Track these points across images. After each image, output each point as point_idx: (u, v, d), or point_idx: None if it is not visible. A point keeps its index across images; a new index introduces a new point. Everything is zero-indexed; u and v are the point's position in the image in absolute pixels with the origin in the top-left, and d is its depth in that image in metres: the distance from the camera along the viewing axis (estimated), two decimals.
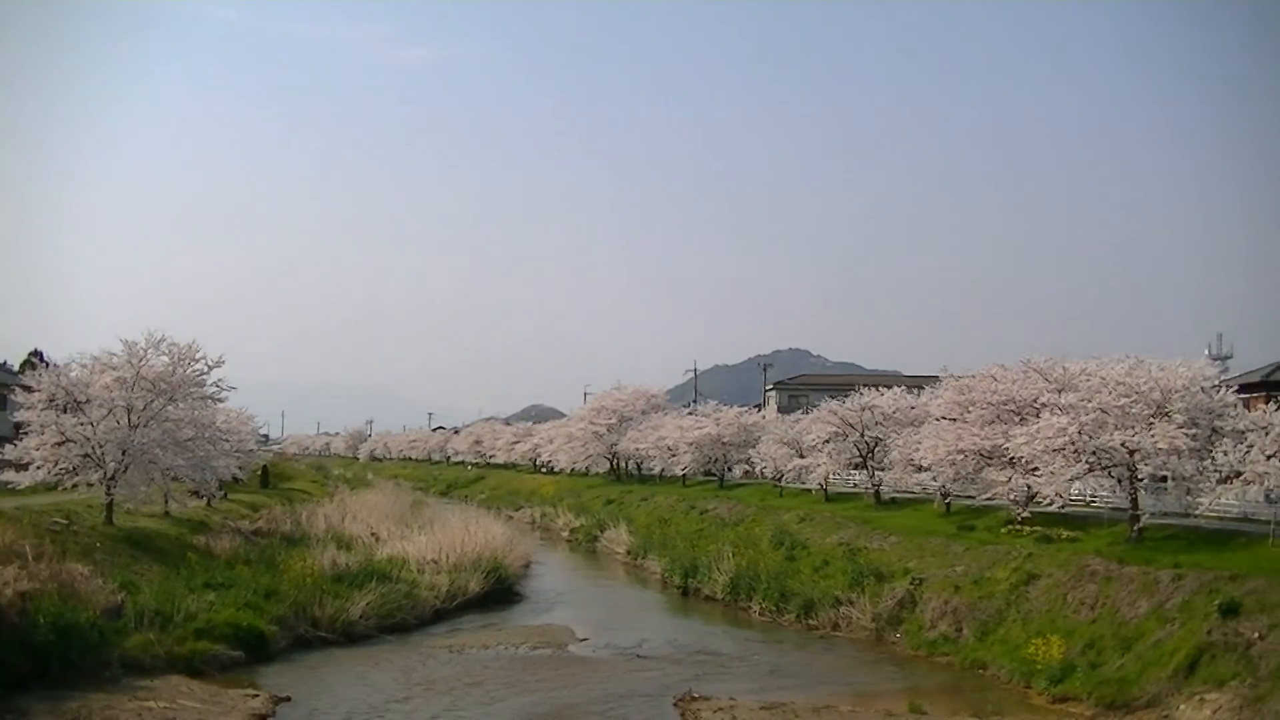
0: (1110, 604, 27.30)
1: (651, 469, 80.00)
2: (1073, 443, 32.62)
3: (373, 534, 46.75)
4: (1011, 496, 37.45)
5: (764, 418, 78.27)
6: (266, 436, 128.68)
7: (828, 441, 51.96)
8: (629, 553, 54.44)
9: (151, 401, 38.13)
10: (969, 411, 40.98)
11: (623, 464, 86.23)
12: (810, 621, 35.13)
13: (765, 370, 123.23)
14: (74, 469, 37.16)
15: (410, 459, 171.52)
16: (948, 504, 43.73)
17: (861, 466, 51.95)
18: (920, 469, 43.61)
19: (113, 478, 36.67)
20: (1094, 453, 32.53)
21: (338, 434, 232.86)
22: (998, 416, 39.51)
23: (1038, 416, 35.36)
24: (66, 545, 30.35)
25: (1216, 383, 34.64)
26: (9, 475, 38.67)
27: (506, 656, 30.46)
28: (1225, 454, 31.06)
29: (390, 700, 25.06)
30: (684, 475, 72.60)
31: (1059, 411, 33.52)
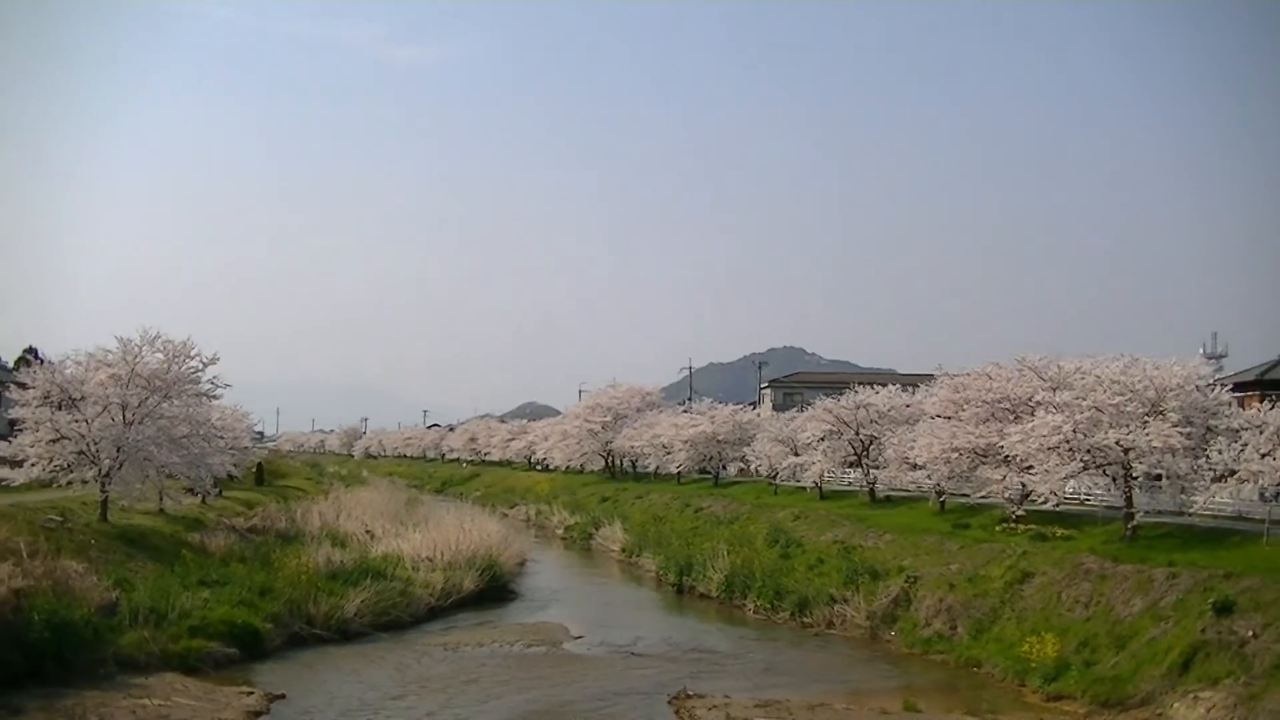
0: (1105, 602, 27.34)
1: (646, 467, 79.99)
2: (1067, 441, 32.67)
3: (368, 531, 46.69)
4: (1006, 495, 37.47)
5: (759, 416, 78.37)
6: (261, 434, 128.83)
7: (822, 439, 51.98)
8: (624, 550, 54.45)
9: (146, 399, 38.09)
10: (964, 410, 41.04)
11: (618, 462, 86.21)
12: (805, 619, 35.16)
13: (760, 368, 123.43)
14: (69, 466, 37.10)
15: (405, 456, 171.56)
16: (942, 502, 43.76)
17: (856, 464, 51.98)
18: (915, 467, 43.68)
19: (107, 475, 36.62)
20: (1089, 451, 32.57)
21: (333, 431, 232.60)
22: (992, 415, 39.57)
23: (1032, 415, 35.41)
24: (61, 542, 30.36)
25: (1211, 381, 34.73)
26: (3, 472, 38.49)
27: (501, 654, 30.45)
28: (1220, 452, 31.14)
29: (385, 698, 25.05)
30: (679, 473, 72.62)
31: (1054, 410, 33.57)
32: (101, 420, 36.87)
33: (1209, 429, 33.58)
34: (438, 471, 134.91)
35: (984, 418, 39.71)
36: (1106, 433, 31.74)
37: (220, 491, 52.23)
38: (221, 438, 47.82)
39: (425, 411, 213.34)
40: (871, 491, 49.97)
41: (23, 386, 38.05)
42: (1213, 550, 28.73)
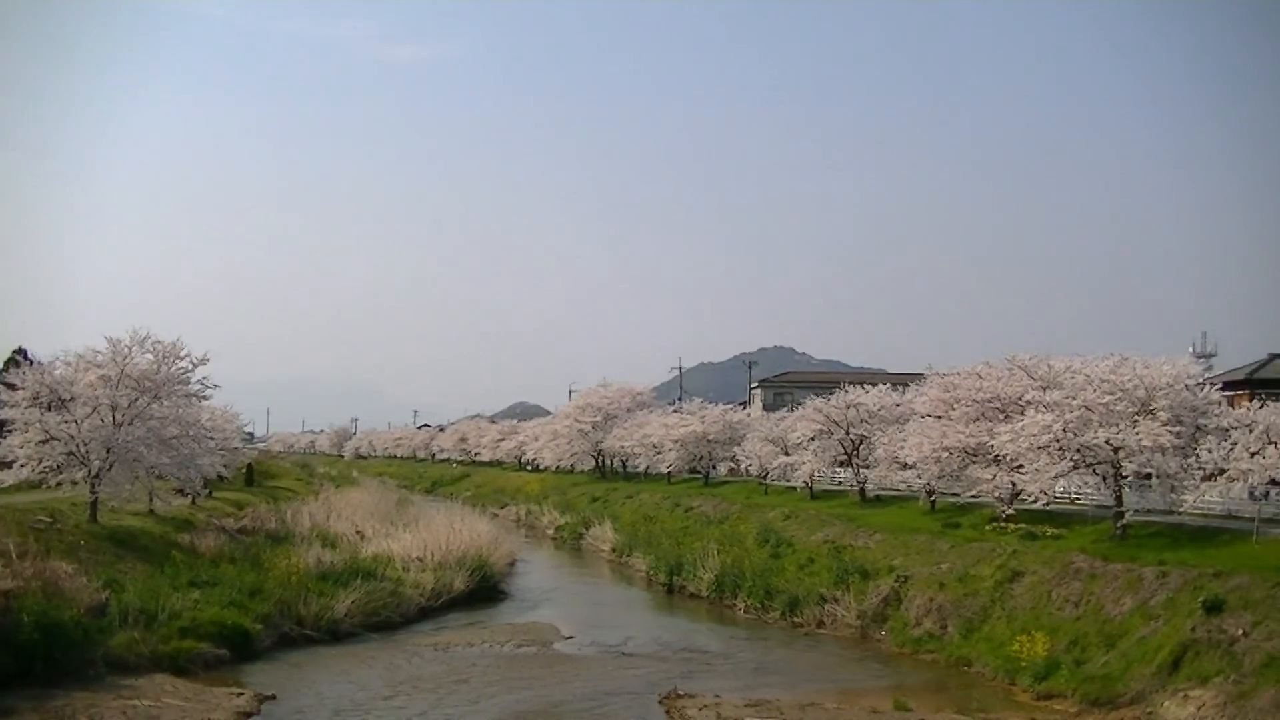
0: (1095, 601, 27.39)
1: (637, 467, 79.91)
2: (1057, 440, 32.71)
3: (358, 532, 46.66)
4: (996, 494, 37.54)
5: (749, 415, 78.33)
6: (251, 434, 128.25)
7: (813, 439, 52.02)
8: (614, 550, 54.44)
9: (136, 399, 38.00)
10: (954, 409, 41.09)
11: (608, 462, 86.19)
12: (795, 619, 35.18)
13: (750, 368, 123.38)
14: (58, 467, 36.99)
15: (395, 457, 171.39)
16: (933, 501, 43.80)
17: (846, 464, 52.02)
18: (905, 466, 43.72)
19: (97, 476, 36.52)
20: (1078, 450, 32.62)
21: (323, 432, 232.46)
22: (983, 414, 39.61)
23: (1022, 414, 35.45)
24: (51, 544, 30.25)
25: (1200, 380, 34.81)
26: None
27: (492, 654, 30.44)
28: (1209, 451, 31.26)
29: (376, 698, 25.03)
30: (669, 473, 72.58)
31: (1044, 409, 33.60)
32: (91, 421, 36.79)
33: (1198, 428, 33.70)
34: (428, 472, 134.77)
35: (974, 417, 39.76)
36: (1096, 432, 31.80)
37: (210, 492, 52.12)
38: (211, 438, 47.74)
39: (415, 412, 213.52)
40: (862, 491, 50.01)
41: (11, 387, 37.91)
42: (1202, 549, 28.79)
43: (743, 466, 64.07)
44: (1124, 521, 32.19)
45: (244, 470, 69.44)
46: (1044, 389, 35.62)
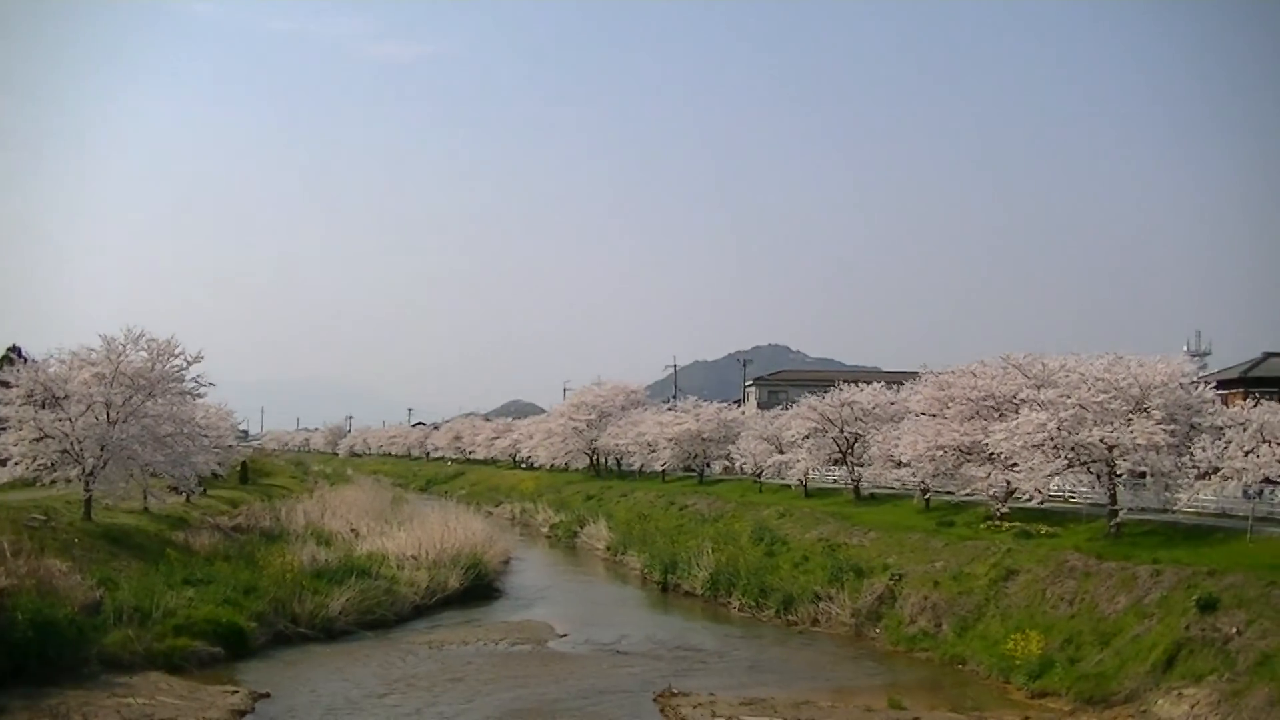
0: (1089, 599, 27.42)
1: (631, 465, 79.98)
2: (1052, 439, 32.75)
3: (352, 530, 46.64)
4: (991, 492, 37.54)
5: (744, 413, 78.43)
6: (246, 432, 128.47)
7: (807, 437, 52.04)
8: (609, 549, 54.45)
9: (130, 397, 37.96)
10: (948, 407, 41.11)
11: (602, 460, 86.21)
12: (790, 617, 35.20)
13: (745, 366, 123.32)
14: (52, 465, 36.97)
15: (390, 455, 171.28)
16: (927, 500, 43.82)
17: (841, 462, 52.01)
18: (900, 465, 43.74)
19: (91, 474, 36.48)
20: (1073, 448, 32.66)
21: (317, 430, 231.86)
22: (977, 412, 39.62)
23: (1017, 412, 35.49)
24: (45, 541, 30.24)
25: (1195, 379, 34.85)
26: None
27: (486, 652, 30.43)
28: (1203, 450, 31.31)
29: (370, 696, 25.01)
30: (664, 471, 72.61)
31: (1038, 407, 33.64)
32: (85, 419, 36.74)
33: (1193, 426, 33.75)
34: (422, 470, 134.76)
35: (969, 415, 39.78)
36: (1091, 430, 31.84)
37: (205, 490, 52.05)
38: (206, 436, 47.67)
39: (410, 410, 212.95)
40: (856, 489, 50.04)
41: (5, 385, 37.85)
42: (1196, 547, 28.84)
43: (737, 465, 64.06)
44: (1118, 520, 32.25)
45: (238, 468, 69.38)
46: (1038, 387, 35.65)
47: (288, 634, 30.58)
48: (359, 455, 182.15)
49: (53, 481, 37.31)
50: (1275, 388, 53.07)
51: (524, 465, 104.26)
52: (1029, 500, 34.72)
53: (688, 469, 72.58)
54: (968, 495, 40.20)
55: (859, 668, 29.43)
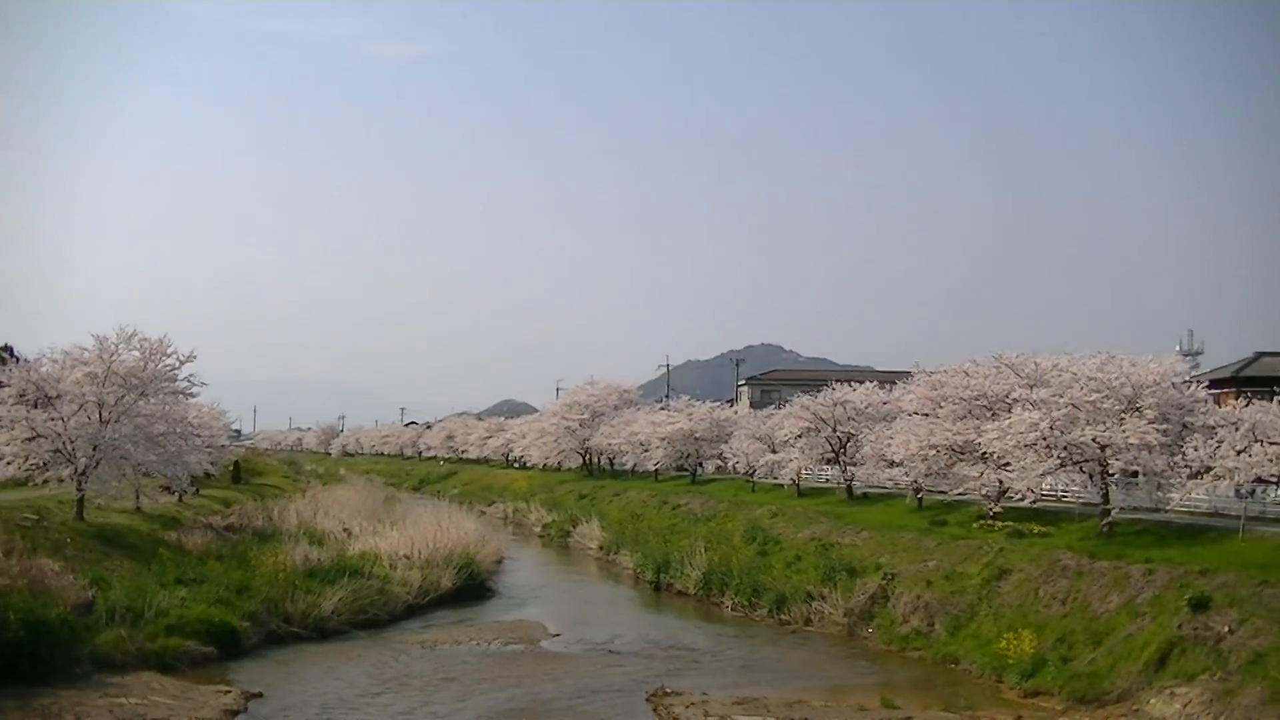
0: (1081, 599, 27.46)
1: (624, 464, 79.89)
2: (1044, 438, 32.79)
3: (345, 529, 46.58)
4: (983, 492, 37.59)
5: (736, 413, 78.36)
6: (238, 432, 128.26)
7: (800, 437, 52.07)
8: (601, 548, 54.41)
9: (123, 397, 37.91)
10: (941, 407, 41.16)
11: (595, 459, 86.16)
12: (782, 617, 35.20)
13: (738, 365, 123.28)
14: (45, 464, 36.89)
15: (383, 454, 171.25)
16: (920, 499, 43.82)
17: (834, 462, 52.06)
18: (892, 464, 43.72)
19: (84, 473, 36.42)
20: (1065, 448, 32.70)
21: (310, 429, 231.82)
22: (970, 412, 39.67)
23: (1009, 412, 35.54)
24: (37, 541, 30.20)
25: (1187, 378, 34.95)
26: None
27: (479, 652, 30.41)
28: (1195, 449, 31.34)
29: (363, 695, 25.00)
30: (656, 470, 72.57)
31: (1031, 407, 33.68)
32: (78, 418, 36.67)
33: (1185, 426, 33.83)
34: (415, 469, 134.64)
35: (961, 415, 39.83)
36: (1083, 430, 31.89)
37: (197, 490, 51.93)
38: (198, 436, 47.59)
39: (403, 409, 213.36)
40: (849, 489, 50.07)
41: None
42: (1189, 546, 28.88)
43: (730, 464, 64.07)
44: (1111, 519, 32.28)
45: (231, 468, 69.27)
46: (1031, 387, 35.71)
47: (280, 633, 30.53)
48: (351, 455, 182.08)
49: (45, 481, 37.23)
50: (1267, 387, 53.06)
51: (517, 465, 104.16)
52: (1022, 500, 34.80)
53: (680, 468, 72.53)
54: (960, 495, 40.25)
55: (852, 667, 29.45)
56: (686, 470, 71.58)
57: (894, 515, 42.73)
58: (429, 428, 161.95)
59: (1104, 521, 32.37)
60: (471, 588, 40.29)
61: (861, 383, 53.50)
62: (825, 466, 54.81)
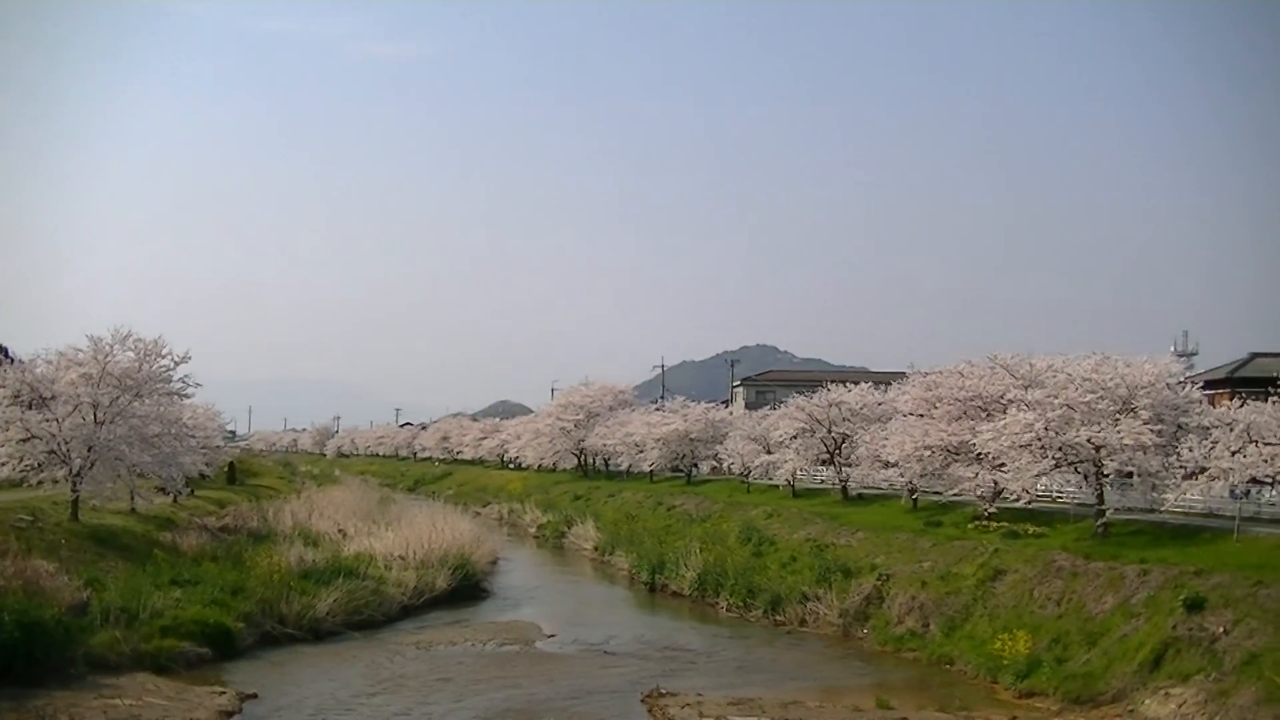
0: (1076, 599, 27.48)
1: (619, 465, 79.89)
2: (1039, 439, 32.81)
3: (340, 530, 46.54)
4: (978, 492, 37.59)
5: (731, 414, 78.38)
6: (233, 433, 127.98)
7: (795, 437, 52.07)
8: (596, 549, 54.39)
9: (118, 398, 37.86)
10: (936, 407, 41.15)
11: (590, 460, 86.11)
12: (777, 617, 35.21)
13: (733, 366, 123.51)
14: (39, 466, 36.85)
15: (378, 455, 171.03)
16: (915, 500, 43.86)
17: (829, 462, 52.04)
18: (887, 465, 43.72)
19: (78, 474, 36.37)
20: (1060, 449, 32.73)
21: (305, 430, 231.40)
22: (965, 412, 39.68)
23: (1004, 412, 35.54)
24: (31, 542, 30.16)
25: (1182, 379, 34.98)
26: None
27: (474, 653, 30.41)
28: (1190, 450, 31.37)
29: (358, 696, 24.98)
30: (651, 471, 72.56)
31: (1026, 408, 33.70)
32: (72, 419, 36.63)
33: (1180, 426, 33.87)
34: (410, 470, 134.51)
35: (956, 415, 39.83)
36: (1078, 430, 31.91)
37: (192, 491, 51.92)
38: (193, 437, 47.59)
39: (398, 410, 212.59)
40: (844, 489, 50.09)
41: None
42: (1184, 547, 28.92)
43: (725, 465, 64.03)
44: (1105, 520, 32.31)
45: (226, 469, 69.27)
46: (1026, 388, 35.73)
47: (275, 634, 30.51)
48: (346, 456, 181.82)
49: (40, 482, 37.20)
50: (1262, 388, 53.00)
51: (511, 465, 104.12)
52: (1016, 500, 34.82)
53: (675, 469, 72.52)
54: (955, 495, 40.24)
55: (847, 668, 29.46)
56: (681, 471, 71.57)
57: (889, 516, 42.74)
58: (424, 429, 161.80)
59: (1099, 522, 32.40)
60: (466, 588, 40.27)
61: (856, 383, 53.45)
62: (820, 467, 54.76)
